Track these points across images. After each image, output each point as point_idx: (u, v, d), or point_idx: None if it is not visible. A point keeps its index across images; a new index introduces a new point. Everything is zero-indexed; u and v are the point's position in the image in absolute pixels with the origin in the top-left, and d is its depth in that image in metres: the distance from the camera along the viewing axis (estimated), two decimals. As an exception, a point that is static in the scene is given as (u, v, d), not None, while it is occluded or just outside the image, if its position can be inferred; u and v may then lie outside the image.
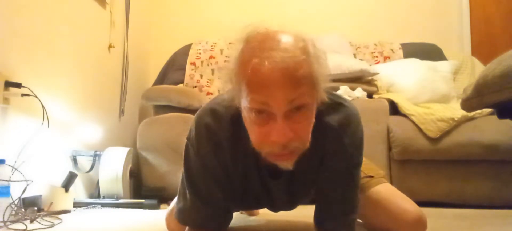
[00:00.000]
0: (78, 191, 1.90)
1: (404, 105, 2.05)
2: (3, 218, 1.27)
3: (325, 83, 0.76)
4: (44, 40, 1.69)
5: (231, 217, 0.97)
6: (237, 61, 0.74)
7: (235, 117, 0.82)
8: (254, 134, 0.75)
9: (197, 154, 0.86)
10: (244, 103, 0.73)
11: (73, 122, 1.88)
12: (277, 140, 0.70)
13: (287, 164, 0.77)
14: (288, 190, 0.95)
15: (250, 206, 1.21)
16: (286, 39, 0.71)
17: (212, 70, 2.63)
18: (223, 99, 0.86)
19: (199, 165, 0.87)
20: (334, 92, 0.90)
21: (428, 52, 2.62)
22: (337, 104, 0.86)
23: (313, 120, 0.76)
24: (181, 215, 0.93)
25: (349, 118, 0.86)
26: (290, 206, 1.09)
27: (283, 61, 0.68)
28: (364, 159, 1.16)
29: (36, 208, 1.47)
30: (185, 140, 0.91)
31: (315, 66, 0.72)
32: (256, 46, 0.71)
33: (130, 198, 1.95)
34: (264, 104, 0.70)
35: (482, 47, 2.88)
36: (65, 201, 1.61)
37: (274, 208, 1.09)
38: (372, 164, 1.15)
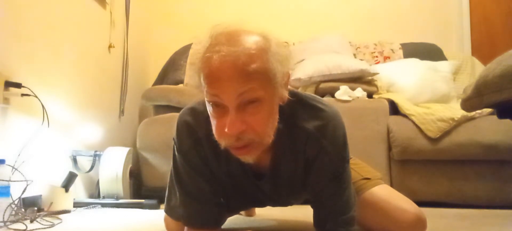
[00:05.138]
0: (78, 191, 1.91)
1: (404, 105, 2.05)
2: (3, 218, 1.27)
3: (284, 81, 0.77)
4: (44, 40, 1.69)
5: (225, 215, 0.98)
6: (198, 57, 0.74)
7: None
8: (213, 127, 0.77)
9: (180, 151, 0.90)
10: (205, 98, 0.75)
11: (73, 122, 1.88)
12: (228, 132, 0.71)
13: (247, 158, 0.79)
14: (275, 191, 0.96)
15: (251, 204, 1.22)
16: (243, 35, 0.72)
17: (212, 70, 2.62)
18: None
19: (183, 161, 0.90)
20: (313, 95, 0.91)
21: (428, 52, 2.61)
22: (313, 108, 0.86)
23: (274, 116, 0.77)
24: (172, 211, 0.97)
25: (325, 120, 0.85)
26: (289, 203, 1.09)
27: (232, 55, 0.69)
28: (360, 161, 1.16)
29: (36, 208, 1.47)
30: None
31: (272, 63, 0.72)
32: (214, 42, 0.72)
33: (130, 198, 1.95)
34: (217, 97, 0.72)
35: (482, 47, 2.88)
36: (65, 201, 1.61)
37: (281, 205, 1.11)
38: (368, 167, 1.15)
